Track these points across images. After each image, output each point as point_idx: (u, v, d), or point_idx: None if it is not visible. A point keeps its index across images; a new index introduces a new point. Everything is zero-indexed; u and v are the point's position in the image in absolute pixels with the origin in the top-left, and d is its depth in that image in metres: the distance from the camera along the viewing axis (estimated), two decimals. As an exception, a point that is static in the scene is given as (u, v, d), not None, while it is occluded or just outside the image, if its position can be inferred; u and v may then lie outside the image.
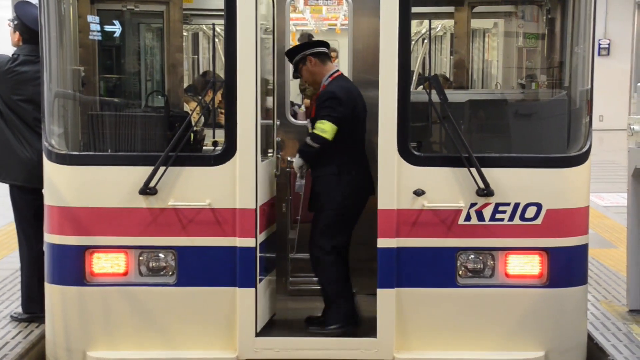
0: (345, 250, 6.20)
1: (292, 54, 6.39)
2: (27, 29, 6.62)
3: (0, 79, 6.58)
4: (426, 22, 8.59)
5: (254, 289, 5.74)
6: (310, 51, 6.30)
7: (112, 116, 6.30)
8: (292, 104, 9.95)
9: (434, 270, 5.74)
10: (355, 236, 6.23)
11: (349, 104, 6.06)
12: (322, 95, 6.15)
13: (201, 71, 10.59)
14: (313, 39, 12.35)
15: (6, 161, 6.65)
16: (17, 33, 6.73)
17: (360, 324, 6.06)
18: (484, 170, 5.61)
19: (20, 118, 6.57)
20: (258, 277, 5.79)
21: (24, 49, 6.67)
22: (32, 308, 6.74)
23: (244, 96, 5.61)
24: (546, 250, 5.76)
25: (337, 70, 6.35)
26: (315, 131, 5.99)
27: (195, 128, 6.15)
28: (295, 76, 6.57)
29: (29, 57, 6.56)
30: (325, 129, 5.95)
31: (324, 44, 6.43)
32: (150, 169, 5.62)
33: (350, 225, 6.18)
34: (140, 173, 5.64)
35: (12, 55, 6.69)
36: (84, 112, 6.23)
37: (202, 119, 7.01)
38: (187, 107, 7.42)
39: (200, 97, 7.01)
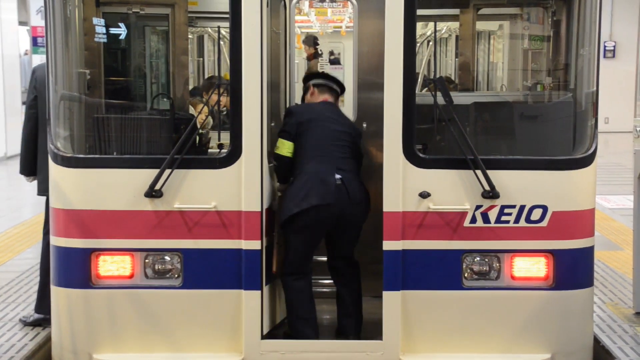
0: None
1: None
2: None
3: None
4: (431, 24, 8.58)
5: (259, 292, 5.74)
6: (312, 82, 6.41)
7: (118, 119, 6.31)
8: (298, 106, 9.94)
9: (440, 272, 5.73)
10: (361, 238, 6.23)
11: (301, 115, 6.08)
12: None
13: (206, 73, 10.60)
14: (317, 42, 12.37)
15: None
16: None
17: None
18: (490, 173, 5.60)
19: None
20: (264, 280, 5.79)
21: None
22: (44, 310, 6.74)
23: (249, 98, 5.61)
24: (552, 252, 5.74)
25: (328, 101, 6.36)
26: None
27: (200, 131, 6.16)
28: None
29: None
30: (278, 145, 6.04)
31: (328, 77, 6.50)
32: (155, 171, 5.63)
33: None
34: (146, 176, 5.65)
35: None
36: (89, 115, 6.23)
37: (211, 119, 7.01)
38: (192, 110, 7.42)
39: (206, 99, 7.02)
